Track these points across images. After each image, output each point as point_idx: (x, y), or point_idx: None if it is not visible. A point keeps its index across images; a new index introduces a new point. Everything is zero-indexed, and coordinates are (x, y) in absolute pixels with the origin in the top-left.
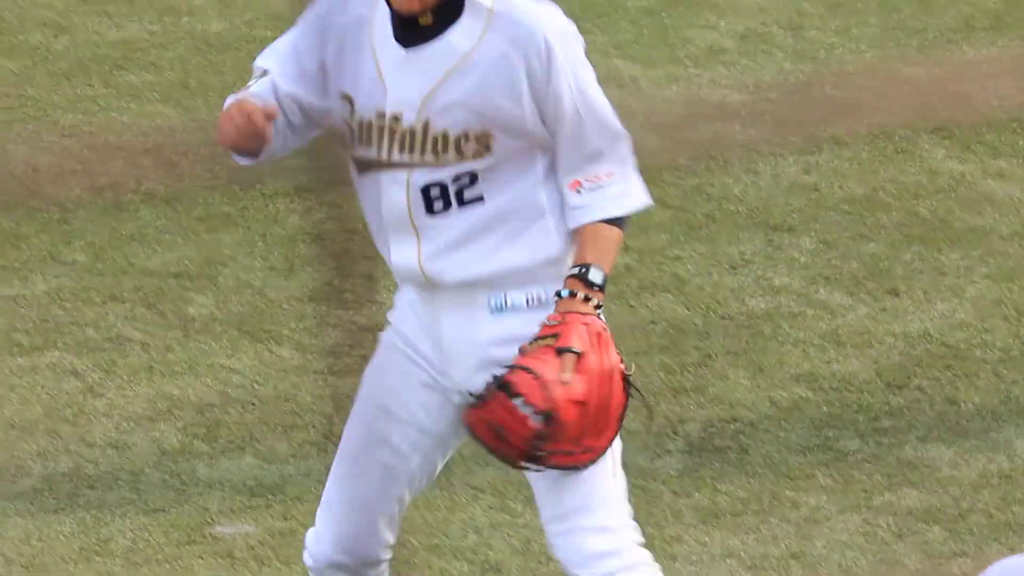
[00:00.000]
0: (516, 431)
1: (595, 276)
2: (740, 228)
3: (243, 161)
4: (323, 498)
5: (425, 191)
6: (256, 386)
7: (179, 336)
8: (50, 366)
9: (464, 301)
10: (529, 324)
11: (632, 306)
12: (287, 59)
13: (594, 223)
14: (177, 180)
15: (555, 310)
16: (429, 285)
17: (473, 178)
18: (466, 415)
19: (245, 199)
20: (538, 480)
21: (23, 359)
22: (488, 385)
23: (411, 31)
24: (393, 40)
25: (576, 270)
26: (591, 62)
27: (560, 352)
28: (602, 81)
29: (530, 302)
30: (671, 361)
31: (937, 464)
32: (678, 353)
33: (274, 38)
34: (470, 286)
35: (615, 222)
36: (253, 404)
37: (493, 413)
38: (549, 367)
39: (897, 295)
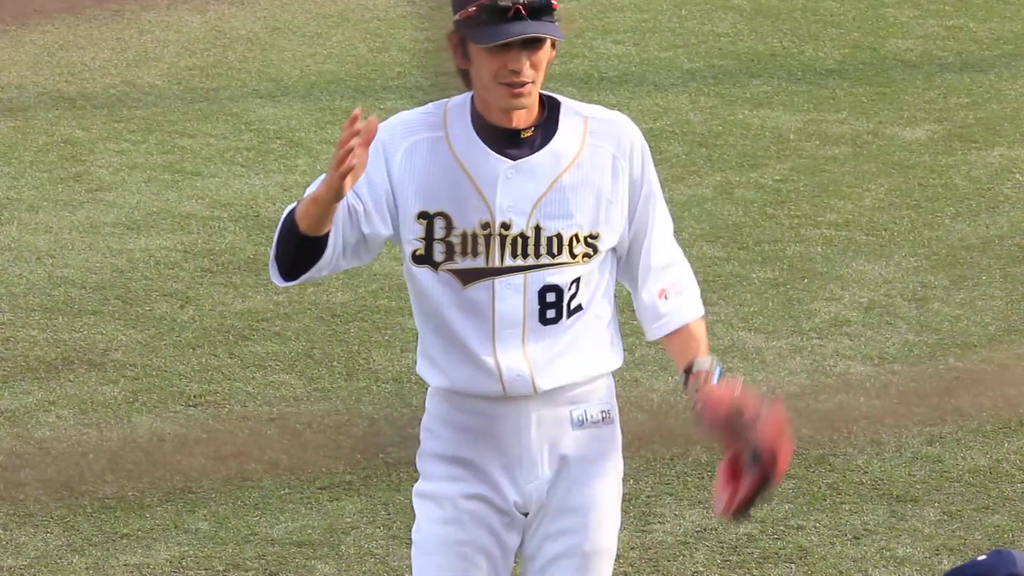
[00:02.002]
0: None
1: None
2: (863, 499)
3: (285, 282)
4: None
5: (542, 295)
6: None
7: None
8: None
9: (552, 415)
10: (599, 436)
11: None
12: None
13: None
14: (300, 449)
15: (712, 381)
16: (517, 398)
17: (587, 287)
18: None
19: (368, 467)
20: None
21: None
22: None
23: (512, 142)
24: (489, 151)
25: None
26: (716, 333)
27: None
28: (726, 352)
29: (606, 417)
30: None
31: None
32: None
33: (399, 308)
34: (557, 398)
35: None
36: None
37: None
38: None
39: None
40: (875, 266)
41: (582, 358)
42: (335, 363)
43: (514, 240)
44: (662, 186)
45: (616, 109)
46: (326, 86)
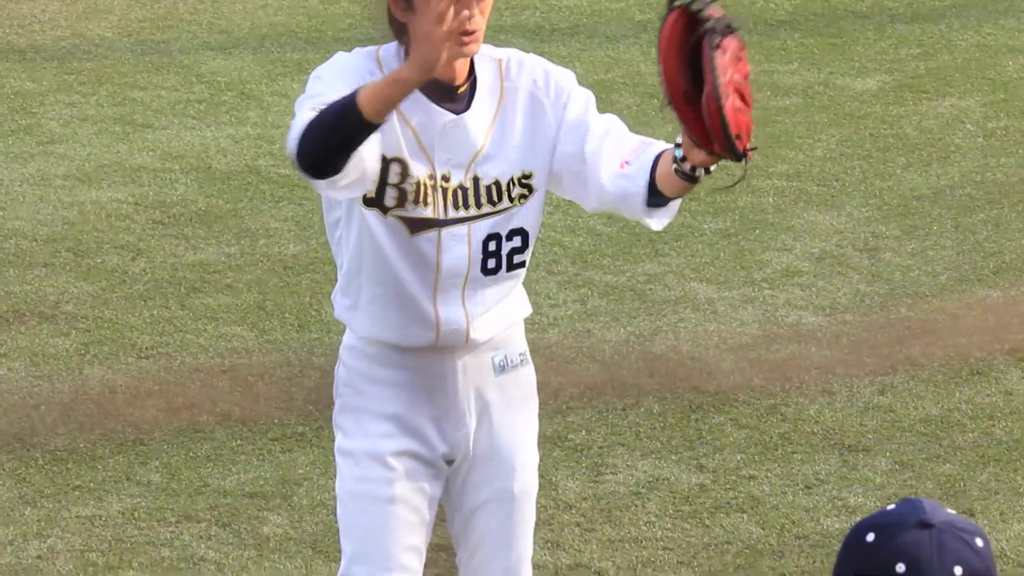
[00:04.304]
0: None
1: None
2: (815, 449)
3: (316, 178)
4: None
5: (485, 244)
6: None
7: (253, 555)
8: None
9: (475, 363)
10: (519, 380)
11: (707, 526)
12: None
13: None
14: (252, 401)
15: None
16: (445, 348)
17: (524, 240)
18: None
19: (320, 419)
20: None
21: None
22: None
23: (450, 96)
24: (432, 104)
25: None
26: (667, 284)
27: None
28: (677, 302)
29: (523, 359)
30: None
31: None
32: (753, 573)
33: None
34: (481, 345)
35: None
36: None
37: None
38: None
39: (973, 516)
40: (826, 216)
41: (508, 308)
42: (287, 314)
43: (455, 192)
44: None
45: (567, 61)
46: (277, 38)
